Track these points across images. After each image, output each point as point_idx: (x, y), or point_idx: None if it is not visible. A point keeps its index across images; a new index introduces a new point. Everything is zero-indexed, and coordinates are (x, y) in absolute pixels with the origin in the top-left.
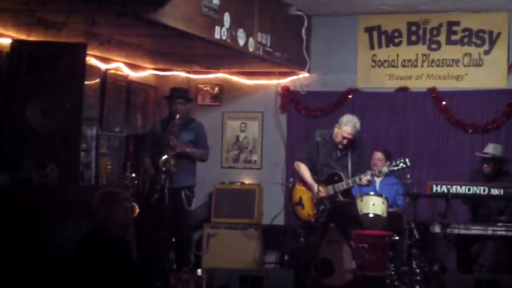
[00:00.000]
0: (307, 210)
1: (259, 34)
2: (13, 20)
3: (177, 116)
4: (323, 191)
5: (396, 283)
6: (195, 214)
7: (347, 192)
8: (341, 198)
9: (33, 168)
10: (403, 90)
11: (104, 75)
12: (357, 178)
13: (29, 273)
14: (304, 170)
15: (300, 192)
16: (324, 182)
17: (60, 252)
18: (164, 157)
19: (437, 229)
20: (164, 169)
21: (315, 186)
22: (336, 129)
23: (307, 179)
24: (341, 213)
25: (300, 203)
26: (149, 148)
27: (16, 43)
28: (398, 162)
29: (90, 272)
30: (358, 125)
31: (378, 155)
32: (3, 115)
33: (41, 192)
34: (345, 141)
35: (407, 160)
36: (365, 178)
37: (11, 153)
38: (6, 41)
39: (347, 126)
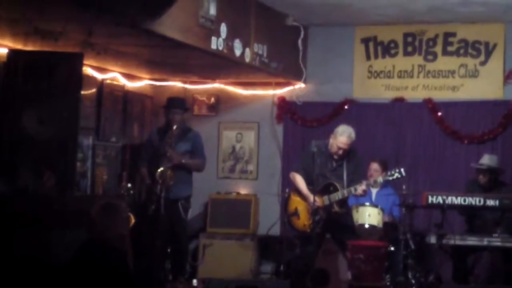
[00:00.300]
0: (303, 221)
1: (256, 44)
2: (10, 30)
3: (174, 127)
4: (318, 201)
5: None
6: (191, 224)
7: (342, 203)
8: (336, 208)
9: (30, 177)
10: (399, 100)
11: (101, 85)
12: (352, 189)
13: (26, 281)
14: (299, 181)
15: (296, 202)
16: (320, 192)
17: (57, 261)
18: (160, 169)
19: (432, 239)
20: (160, 181)
21: (310, 197)
22: (331, 140)
23: (302, 189)
24: (337, 223)
25: (295, 213)
26: (146, 157)
27: (12, 52)
28: (393, 172)
29: (86, 281)
30: (353, 135)
31: (375, 166)
32: (0, 124)
33: (38, 201)
34: (340, 152)
35: (402, 170)
36: (360, 188)
37: (8, 161)
38: (3, 51)
39: (343, 136)
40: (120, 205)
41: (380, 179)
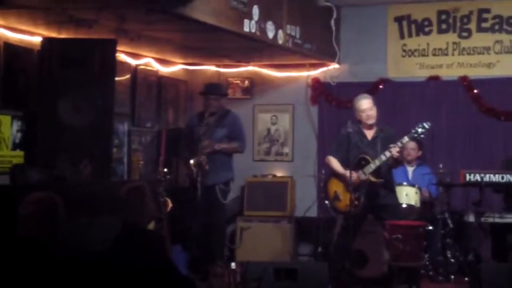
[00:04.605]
0: (344, 202)
1: (288, 26)
2: (44, 18)
3: (207, 114)
4: (355, 178)
5: (431, 273)
6: (228, 208)
7: (377, 173)
8: (373, 179)
9: (67, 165)
10: (434, 79)
11: (135, 71)
12: (386, 152)
13: (63, 271)
14: (334, 163)
15: (334, 186)
16: (354, 169)
17: (95, 248)
18: (193, 160)
19: (471, 218)
20: (195, 170)
21: (347, 172)
22: (357, 114)
23: (338, 169)
24: (378, 203)
25: (336, 197)
26: (185, 143)
27: (47, 41)
28: (416, 129)
29: (125, 267)
30: (365, 95)
31: (412, 144)
32: (36, 113)
33: (76, 189)
34: (371, 112)
35: (424, 123)
36: (395, 149)
37: (45, 150)
38: (37, 39)
39: (360, 102)
40: (145, 186)
41: (406, 139)
